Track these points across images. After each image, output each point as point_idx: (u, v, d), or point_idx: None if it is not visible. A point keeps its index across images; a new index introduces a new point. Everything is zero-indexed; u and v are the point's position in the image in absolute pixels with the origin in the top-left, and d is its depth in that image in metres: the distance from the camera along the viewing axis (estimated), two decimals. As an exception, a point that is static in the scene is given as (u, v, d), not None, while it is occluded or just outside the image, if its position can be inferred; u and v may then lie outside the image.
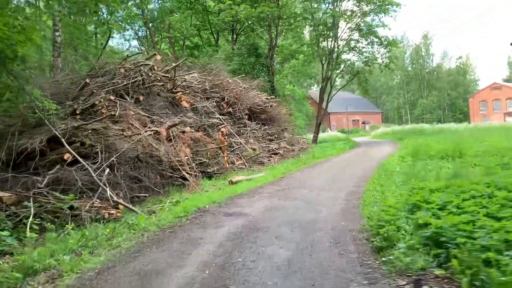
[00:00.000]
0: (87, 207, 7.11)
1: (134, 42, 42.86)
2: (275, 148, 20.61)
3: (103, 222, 6.79)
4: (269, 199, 8.70)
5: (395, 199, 6.59)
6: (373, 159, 16.44)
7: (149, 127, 11.52)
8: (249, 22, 29.85)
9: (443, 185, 6.56)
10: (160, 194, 9.81)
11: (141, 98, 12.62)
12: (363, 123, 76.20)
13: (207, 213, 7.59)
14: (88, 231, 6.00)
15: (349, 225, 6.01)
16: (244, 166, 16.08)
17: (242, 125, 19.52)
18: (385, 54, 28.32)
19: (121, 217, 7.22)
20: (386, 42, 27.84)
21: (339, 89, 36.27)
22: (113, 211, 7.37)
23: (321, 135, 40.51)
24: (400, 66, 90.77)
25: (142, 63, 13.45)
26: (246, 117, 20.27)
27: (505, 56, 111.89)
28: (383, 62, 29.74)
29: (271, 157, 19.29)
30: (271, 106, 23.13)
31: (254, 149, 18.31)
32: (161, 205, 8.83)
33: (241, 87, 20.54)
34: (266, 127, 22.24)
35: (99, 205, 7.43)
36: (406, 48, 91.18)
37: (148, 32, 34.89)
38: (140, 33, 37.22)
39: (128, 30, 34.27)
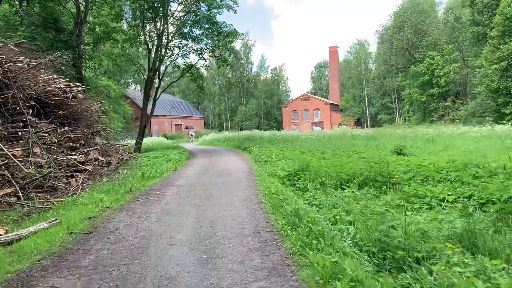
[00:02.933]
0: None
1: None
2: (79, 162, 13.46)
3: None
4: None
5: None
6: (236, 179, 11.06)
7: None
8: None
9: None
10: None
11: None
12: (187, 128, 71.61)
13: None
14: None
15: None
16: (13, 200, 8.65)
17: (21, 123, 11.91)
18: (226, 45, 23.49)
19: None
20: (226, 32, 23.14)
21: (170, 84, 30.21)
22: None
23: (145, 141, 33.65)
24: (222, 71, 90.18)
25: None
26: (31, 111, 12.70)
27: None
28: (220, 55, 25.03)
29: (72, 177, 12.13)
30: (74, 97, 15.70)
31: (41, 166, 10.84)
32: None
33: (22, 62, 12.72)
34: (66, 128, 15.02)
35: None
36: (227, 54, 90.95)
37: None
38: None
39: None
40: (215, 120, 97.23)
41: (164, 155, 19.21)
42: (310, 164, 9.54)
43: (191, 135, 54.59)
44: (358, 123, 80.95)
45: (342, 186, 7.83)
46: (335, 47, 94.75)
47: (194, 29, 23.87)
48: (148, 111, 24.30)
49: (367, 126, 73.41)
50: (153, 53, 22.17)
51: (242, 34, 23.63)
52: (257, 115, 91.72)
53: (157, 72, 23.23)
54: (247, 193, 8.66)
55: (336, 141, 20.09)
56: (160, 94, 23.84)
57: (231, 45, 23.42)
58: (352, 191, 7.26)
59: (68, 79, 16.93)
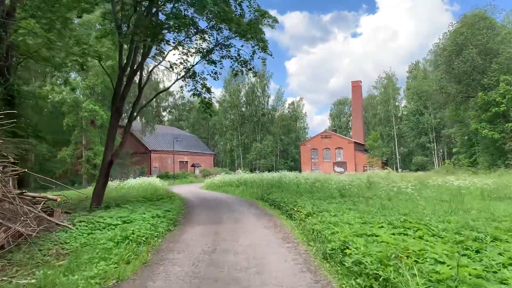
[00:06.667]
0: None
1: None
2: None
3: None
4: None
5: None
6: None
7: None
8: None
9: None
10: None
11: None
12: (193, 166, 62.24)
13: None
14: None
15: None
16: None
17: None
18: (252, 33, 14.38)
19: None
20: (253, 11, 14.18)
21: (157, 94, 20.95)
22: None
23: (131, 183, 24.23)
24: (235, 103, 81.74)
25: None
26: None
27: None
28: (238, 55, 15.92)
29: None
30: None
31: None
32: None
33: None
34: None
35: None
36: (241, 86, 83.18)
37: None
38: None
39: None
40: (226, 157, 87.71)
41: (126, 221, 9.60)
42: None
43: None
44: (386, 164, 70.70)
45: None
46: (358, 81, 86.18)
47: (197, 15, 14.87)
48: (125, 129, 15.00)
49: (396, 169, 63.20)
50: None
51: (275, 18, 14.52)
52: (272, 153, 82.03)
53: (140, 71, 14.00)
54: None
55: (449, 199, 10.31)
56: (139, 111, 14.51)
57: (260, 35, 14.22)
58: None
59: None
